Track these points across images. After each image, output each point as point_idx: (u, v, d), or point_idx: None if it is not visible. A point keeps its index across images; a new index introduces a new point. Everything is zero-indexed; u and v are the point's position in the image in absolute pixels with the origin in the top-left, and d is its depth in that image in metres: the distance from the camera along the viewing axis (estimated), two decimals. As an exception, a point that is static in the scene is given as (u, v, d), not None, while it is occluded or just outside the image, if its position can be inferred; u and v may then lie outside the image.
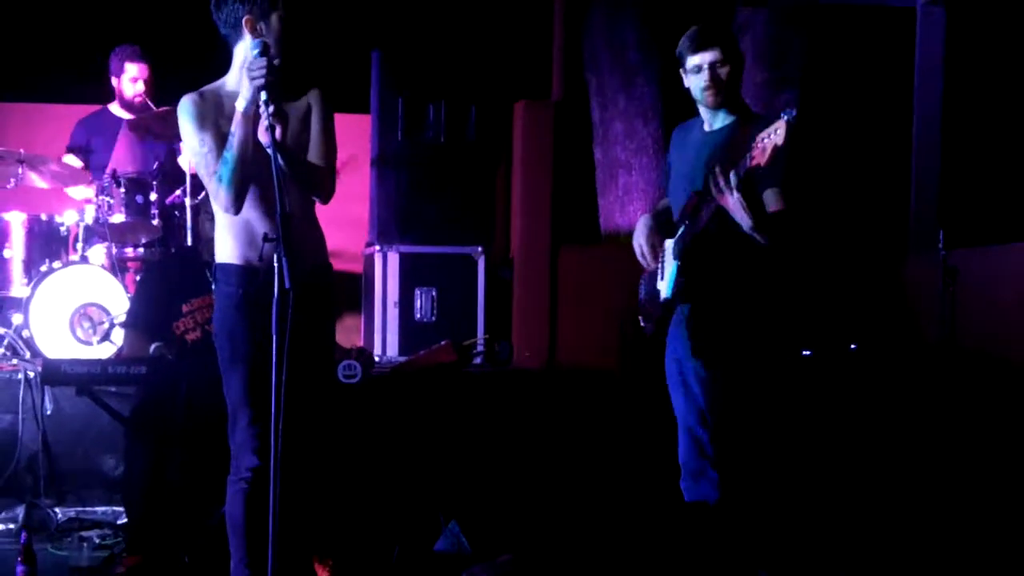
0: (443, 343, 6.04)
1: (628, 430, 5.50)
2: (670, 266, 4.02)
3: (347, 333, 6.65)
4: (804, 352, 5.78)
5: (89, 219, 6.07)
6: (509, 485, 5.30)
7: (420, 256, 6.71)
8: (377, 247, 6.70)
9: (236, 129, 3.51)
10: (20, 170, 6.05)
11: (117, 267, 6.00)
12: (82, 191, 6.53)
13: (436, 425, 5.46)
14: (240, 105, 3.50)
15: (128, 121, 6.51)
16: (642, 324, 4.22)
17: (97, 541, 4.99)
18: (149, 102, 6.56)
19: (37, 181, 6.21)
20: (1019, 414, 5.34)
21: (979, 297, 5.78)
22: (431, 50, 6.87)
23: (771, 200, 3.82)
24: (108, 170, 6.24)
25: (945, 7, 7.22)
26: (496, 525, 4.73)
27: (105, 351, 5.66)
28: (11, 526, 5.13)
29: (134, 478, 4.85)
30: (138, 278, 6.00)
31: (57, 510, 5.21)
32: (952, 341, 5.57)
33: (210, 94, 3.65)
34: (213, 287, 3.74)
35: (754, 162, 3.64)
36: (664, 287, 4.04)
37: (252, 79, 3.43)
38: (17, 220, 6.02)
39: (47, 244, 6.05)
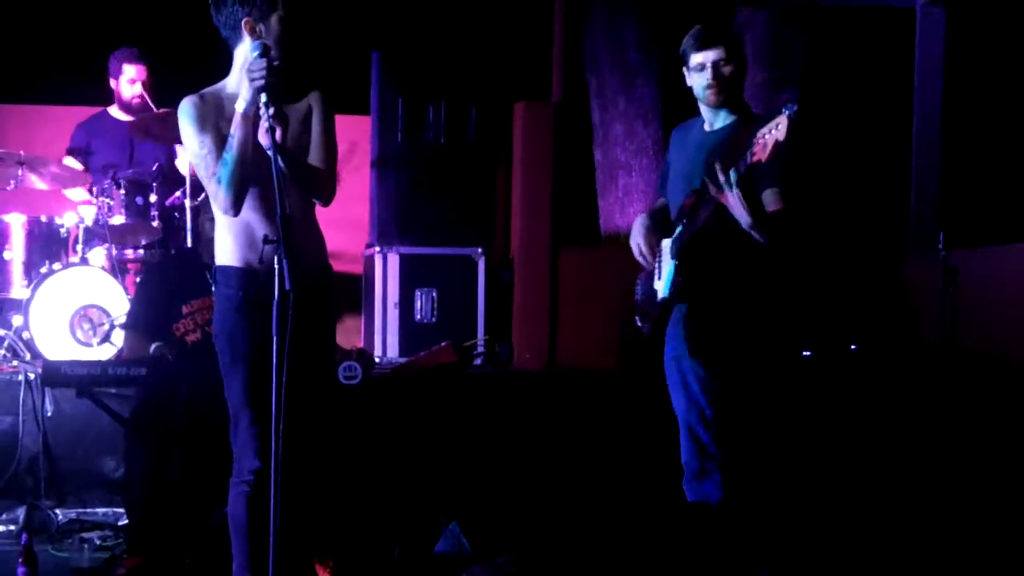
0: (443, 344, 6.04)
1: (628, 431, 5.50)
2: (667, 265, 4.01)
3: (347, 334, 6.65)
4: (804, 352, 5.78)
5: (89, 221, 6.07)
6: (509, 486, 5.30)
7: (420, 257, 6.71)
8: (377, 248, 6.70)
9: (236, 131, 3.51)
10: (20, 172, 6.06)
11: (117, 269, 6.00)
12: (80, 193, 6.53)
13: (436, 426, 5.46)
14: (240, 107, 3.49)
15: (129, 123, 6.51)
16: (639, 324, 4.22)
17: (98, 542, 4.99)
18: (150, 103, 6.56)
19: (37, 183, 6.21)
20: (1019, 414, 5.34)
21: (979, 297, 5.77)
22: (431, 51, 6.87)
23: (770, 200, 3.82)
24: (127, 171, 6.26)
25: (945, 7, 7.23)
26: (496, 526, 4.73)
27: (105, 353, 5.66)
28: (12, 527, 5.13)
29: (134, 479, 4.85)
30: (138, 280, 6.00)
31: (58, 511, 5.21)
32: (952, 341, 5.57)
33: (210, 96, 3.65)
34: (213, 289, 3.73)
35: (755, 158, 3.64)
36: (661, 287, 4.04)
37: (252, 80, 3.43)
38: (17, 222, 6.02)
39: (47, 246, 6.05)
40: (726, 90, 3.93)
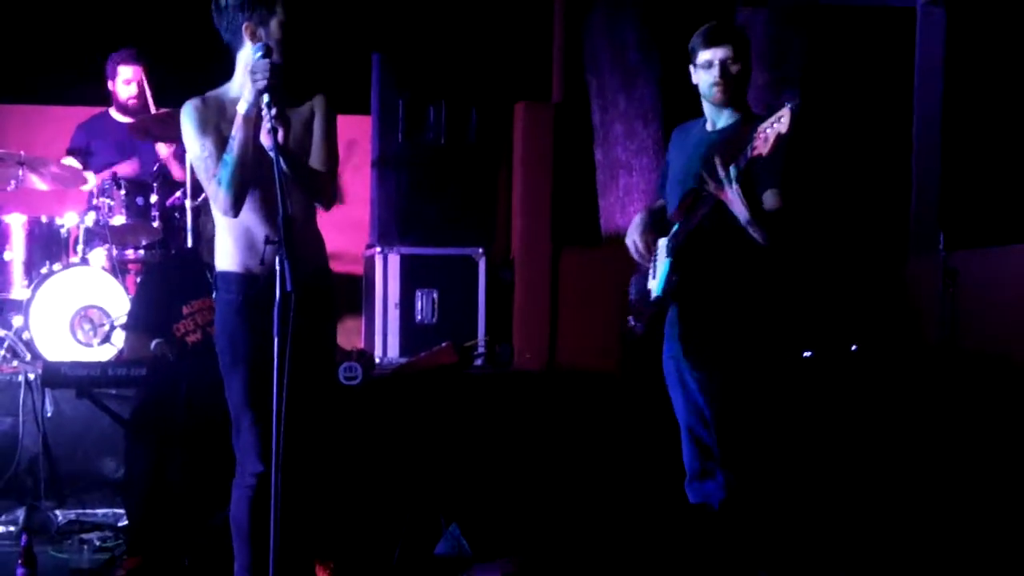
0: (444, 345, 6.03)
1: (629, 432, 5.50)
2: (662, 264, 4.01)
3: (348, 335, 6.65)
4: (805, 353, 5.78)
5: (89, 221, 6.07)
6: (510, 487, 5.29)
7: (421, 257, 6.71)
8: (378, 248, 6.70)
9: (237, 132, 3.51)
10: (20, 172, 6.05)
11: (117, 269, 6.00)
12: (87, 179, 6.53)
13: (437, 427, 5.46)
14: (242, 108, 3.50)
15: (129, 125, 6.50)
16: (631, 323, 4.20)
17: (98, 543, 4.99)
18: (150, 102, 6.56)
19: (37, 183, 6.21)
20: (1019, 415, 5.34)
21: (979, 298, 5.77)
22: (431, 52, 6.87)
23: (770, 201, 3.82)
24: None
25: (945, 7, 7.23)
26: (497, 527, 4.73)
27: (105, 353, 5.66)
28: (11, 528, 5.13)
29: (134, 480, 4.84)
30: (138, 280, 6.00)
31: (57, 512, 5.21)
32: (952, 342, 5.57)
33: (212, 100, 3.66)
34: (214, 294, 3.74)
35: (756, 152, 3.63)
36: (655, 285, 4.03)
37: (255, 82, 3.44)
38: (17, 222, 6.02)
39: (47, 246, 6.05)
40: (732, 89, 3.93)
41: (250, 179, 3.55)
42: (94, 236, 6.11)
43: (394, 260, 6.67)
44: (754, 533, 3.98)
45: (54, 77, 7.12)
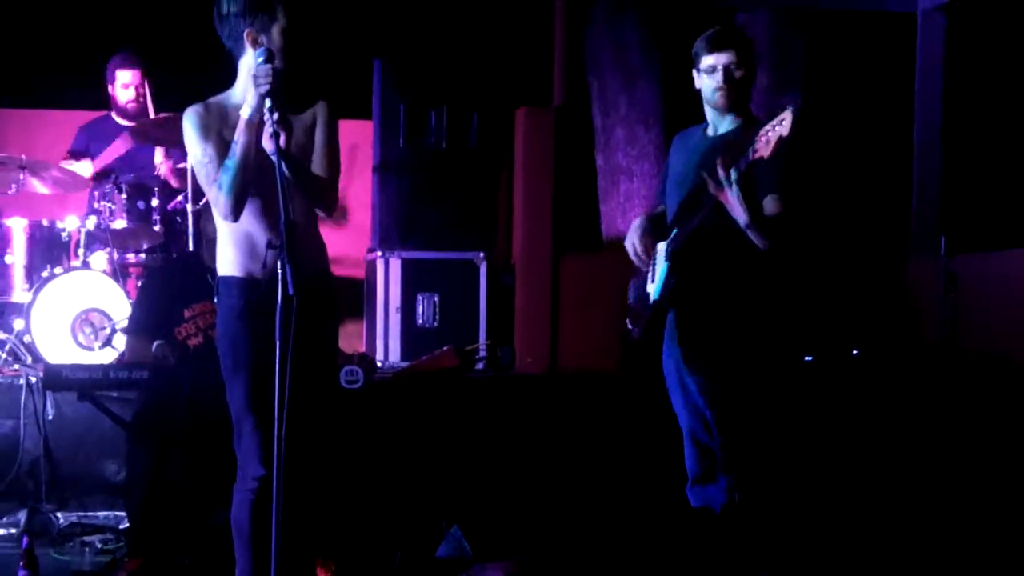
0: (445, 348, 6.04)
1: (630, 435, 5.50)
2: (661, 268, 4.01)
3: (349, 339, 6.65)
4: (806, 357, 5.78)
5: (90, 225, 6.07)
6: (511, 490, 5.30)
7: (422, 262, 6.71)
8: (379, 253, 6.70)
9: (239, 136, 3.51)
10: (21, 176, 6.05)
11: (119, 273, 6.01)
12: (88, 167, 6.52)
13: (438, 430, 5.46)
14: (245, 112, 3.50)
15: (129, 128, 6.51)
16: (628, 327, 4.21)
17: (99, 546, 4.99)
18: (150, 105, 6.57)
19: (38, 187, 6.21)
20: (1020, 418, 5.34)
21: (980, 302, 5.78)
22: (433, 56, 6.88)
23: (770, 206, 3.82)
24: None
25: (946, 12, 7.23)
26: (498, 530, 4.73)
27: (107, 356, 5.66)
28: (13, 531, 5.13)
29: (136, 482, 4.84)
30: (140, 284, 6.00)
31: (59, 515, 5.21)
32: (953, 346, 5.57)
33: (215, 106, 3.66)
34: (216, 299, 3.75)
35: (757, 155, 3.64)
36: (654, 289, 4.04)
37: (257, 86, 3.44)
38: (19, 226, 6.02)
39: (48, 250, 6.05)
40: (735, 94, 3.93)
41: (251, 184, 3.55)
42: (95, 240, 6.11)
43: (395, 264, 6.68)
44: (756, 537, 3.98)
45: (54, 81, 7.12)
